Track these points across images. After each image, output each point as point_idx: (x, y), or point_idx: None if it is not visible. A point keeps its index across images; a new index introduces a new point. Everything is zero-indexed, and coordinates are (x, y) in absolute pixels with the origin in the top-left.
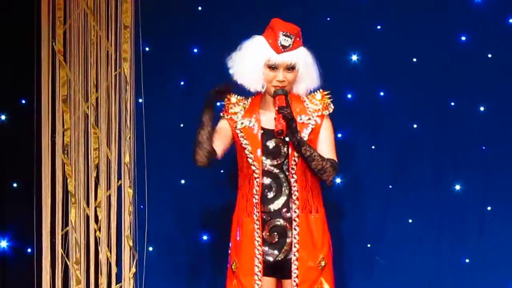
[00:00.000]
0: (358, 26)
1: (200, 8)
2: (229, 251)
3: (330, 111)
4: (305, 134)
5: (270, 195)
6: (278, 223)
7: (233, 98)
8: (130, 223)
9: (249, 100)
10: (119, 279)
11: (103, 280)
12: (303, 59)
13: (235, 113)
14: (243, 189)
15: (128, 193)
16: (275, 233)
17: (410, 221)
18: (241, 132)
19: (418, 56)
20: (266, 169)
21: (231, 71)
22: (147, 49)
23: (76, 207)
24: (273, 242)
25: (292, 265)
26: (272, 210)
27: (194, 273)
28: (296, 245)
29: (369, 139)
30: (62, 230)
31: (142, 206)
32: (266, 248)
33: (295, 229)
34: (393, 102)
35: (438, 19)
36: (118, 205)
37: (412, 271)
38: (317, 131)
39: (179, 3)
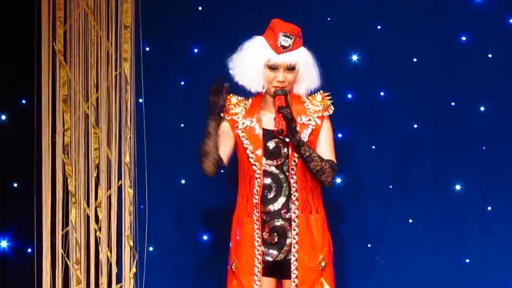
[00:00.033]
0: (358, 26)
1: (200, 8)
2: (229, 252)
3: (330, 113)
4: (305, 135)
5: (270, 195)
6: (278, 223)
7: (233, 99)
8: (131, 223)
9: (250, 100)
10: (119, 279)
11: (103, 280)
12: (303, 60)
13: (236, 114)
14: (243, 189)
15: (129, 193)
16: (275, 234)
17: (411, 221)
18: (243, 132)
19: (418, 56)
20: (266, 169)
21: (232, 72)
22: (147, 49)
23: (76, 207)
24: (273, 242)
25: (292, 265)
26: (272, 211)
27: (194, 273)
28: (296, 246)
29: (370, 139)
30: (63, 230)
31: (142, 206)
32: (266, 249)
33: (294, 229)
34: (394, 102)
35: (439, 19)
36: (118, 205)
37: (413, 271)
38: (317, 132)
39: (180, 3)
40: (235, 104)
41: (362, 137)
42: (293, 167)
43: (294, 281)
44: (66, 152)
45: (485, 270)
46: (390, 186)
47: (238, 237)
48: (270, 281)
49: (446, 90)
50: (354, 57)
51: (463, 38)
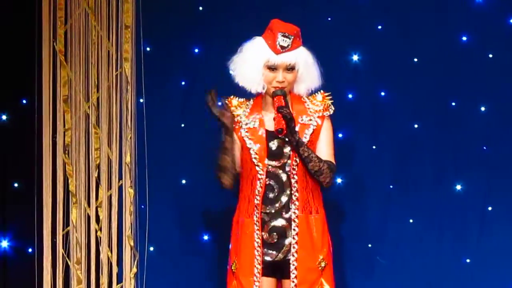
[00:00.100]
0: (358, 26)
1: (201, 8)
2: (229, 252)
3: (331, 112)
4: (306, 135)
5: (271, 195)
6: (278, 223)
7: (234, 101)
8: (131, 223)
9: (251, 101)
10: (120, 279)
11: (104, 280)
12: (303, 59)
13: (238, 115)
14: (245, 190)
15: (129, 193)
16: (275, 234)
17: (411, 221)
18: (246, 132)
19: (419, 56)
20: (269, 169)
21: (232, 73)
22: (148, 49)
23: (77, 207)
24: (273, 242)
25: (291, 265)
26: (272, 211)
27: (195, 273)
28: (295, 246)
29: (370, 139)
30: (63, 230)
31: (143, 206)
32: (266, 249)
33: (294, 229)
34: (394, 102)
35: (439, 19)
36: (119, 205)
37: (413, 271)
38: (318, 132)
39: (180, 3)
40: (237, 106)
41: (363, 137)
42: (295, 167)
43: (293, 281)
44: (66, 152)
45: (485, 270)
46: (391, 186)
47: (238, 238)
48: (270, 281)
49: (447, 90)
50: (355, 57)
51: (464, 38)
